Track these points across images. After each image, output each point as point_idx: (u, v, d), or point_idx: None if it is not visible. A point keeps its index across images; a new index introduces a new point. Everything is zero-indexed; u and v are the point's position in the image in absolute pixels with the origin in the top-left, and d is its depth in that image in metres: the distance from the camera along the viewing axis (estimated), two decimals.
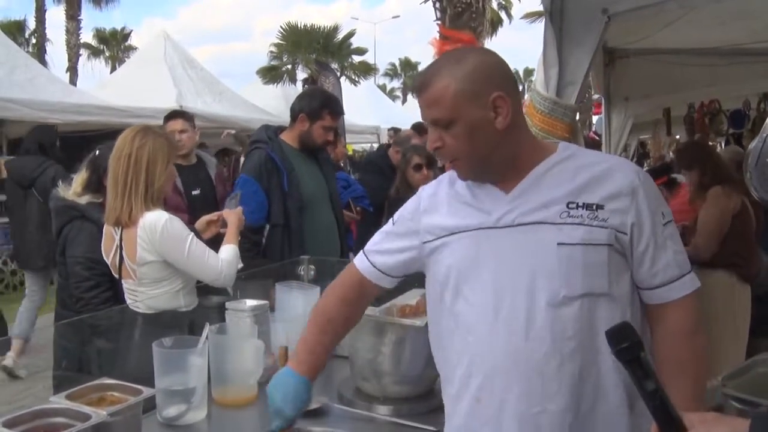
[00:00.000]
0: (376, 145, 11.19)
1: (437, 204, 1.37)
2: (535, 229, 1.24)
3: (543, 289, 1.22)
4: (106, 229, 2.26)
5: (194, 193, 3.52)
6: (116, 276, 2.25)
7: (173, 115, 3.69)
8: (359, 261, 1.50)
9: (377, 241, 1.49)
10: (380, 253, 1.47)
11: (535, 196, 1.26)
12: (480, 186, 1.32)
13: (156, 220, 2.15)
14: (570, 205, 1.23)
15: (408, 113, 17.25)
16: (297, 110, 3.02)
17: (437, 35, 3.64)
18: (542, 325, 1.22)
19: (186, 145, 3.51)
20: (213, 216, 2.43)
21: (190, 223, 3.36)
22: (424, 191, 1.44)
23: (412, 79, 41.98)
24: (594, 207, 1.23)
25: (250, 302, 2.06)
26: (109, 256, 2.26)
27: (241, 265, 2.81)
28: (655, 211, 1.26)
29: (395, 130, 8.66)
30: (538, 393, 1.22)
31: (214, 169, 3.79)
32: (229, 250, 2.28)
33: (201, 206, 3.51)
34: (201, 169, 3.68)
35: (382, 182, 4.19)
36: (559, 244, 1.21)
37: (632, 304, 1.27)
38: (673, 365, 1.23)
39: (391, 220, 1.48)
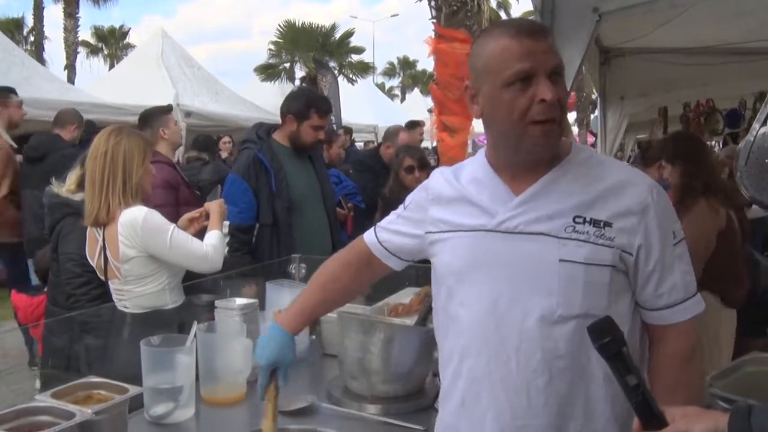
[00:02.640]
0: (373, 144, 11.20)
1: (443, 197, 1.33)
2: (536, 240, 1.19)
3: (539, 305, 1.17)
4: (90, 231, 2.26)
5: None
6: (102, 278, 2.25)
7: (171, 108, 3.73)
8: (368, 235, 1.49)
9: (390, 220, 1.47)
10: (390, 231, 1.45)
11: (542, 204, 1.20)
12: (490, 181, 1.28)
13: (135, 214, 2.16)
14: (577, 220, 1.18)
15: (406, 112, 17.24)
16: (284, 112, 3.02)
17: (433, 34, 3.65)
18: (534, 340, 1.18)
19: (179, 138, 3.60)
20: (195, 213, 2.43)
21: None
22: (432, 181, 1.39)
23: (411, 78, 42.00)
24: (602, 224, 1.17)
25: (240, 301, 2.06)
26: (94, 259, 2.26)
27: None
28: (667, 230, 1.21)
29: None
30: (523, 407, 1.20)
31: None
32: (213, 236, 2.30)
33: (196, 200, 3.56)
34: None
35: (372, 180, 4.19)
36: (561, 260, 1.17)
37: (631, 323, 1.24)
38: (666, 388, 1.20)
39: (402, 204, 1.46)
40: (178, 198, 3.24)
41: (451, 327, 1.29)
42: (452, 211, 1.30)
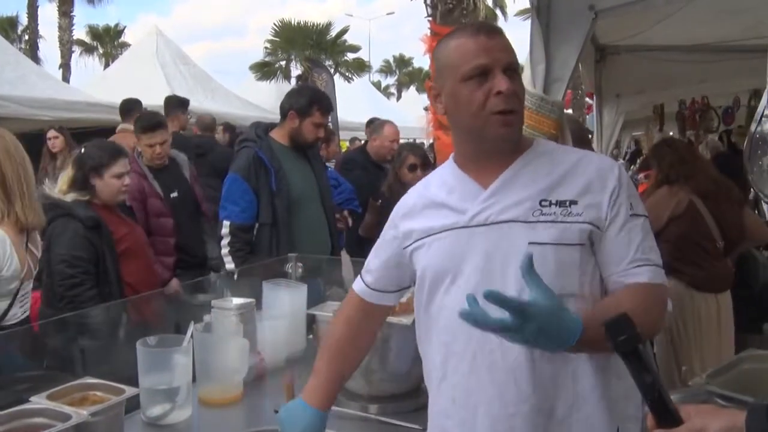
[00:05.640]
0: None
1: (413, 209, 1.37)
2: (507, 228, 1.23)
3: (513, 289, 1.19)
4: (17, 236, 2.16)
5: (173, 195, 3.48)
6: (26, 280, 2.19)
7: (156, 126, 3.48)
8: (356, 284, 1.49)
9: (368, 260, 1.48)
10: (371, 272, 1.45)
11: (509, 193, 1.25)
12: (459, 181, 1.31)
13: None
14: (543, 203, 1.22)
15: (402, 110, 17.25)
16: (286, 107, 3.01)
17: (429, 32, 3.63)
18: None
19: (165, 156, 3.49)
20: None
21: (174, 227, 3.27)
22: (401, 200, 1.43)
23: (407, 76, 41.92)
24: (567, 203, 1.22)
25: (237, 300, 2.05)
26: (25, 263, 2.18)
27: (232, 266, 2.81)
28: (622, 201, 1.24)
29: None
30: (512, 395, 1.22)
31: (188, 169, 3.73)
32: None
33: (181, 208, 3.50)
34: (175, 170, 3.61)
35: (364, 177, 4.16)
36: (530, 243, 1.20)
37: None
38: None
39: (381, 236, 1.47)
40: (146, 209, 3.29)
41: (432, 329, 1.31)
42: (424, 219, 1.33)
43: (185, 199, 3.56)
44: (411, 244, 1.35)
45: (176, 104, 5.25)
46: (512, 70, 1.24)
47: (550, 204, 1.22)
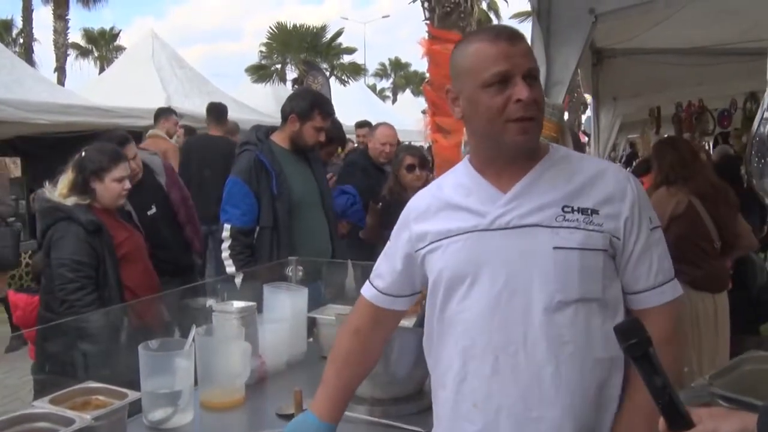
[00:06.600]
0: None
1: (427, 211, 1.35)
2: (530, 232, 1.22)
3: (539, 294, 1.20)
4: None
5: (150, 213, 3.28)
6: None
7: (123, 142, 3.10)
8: (366, 289, 1.47)
9: (377, 264, 1.47)
10: (382, 276, 1.43)
11: (531, 198, 1.24)
12: (476, 184, 1.30)
13: None
14: (565, 209, 1.23)
15: (398, 113, 17.25)
16: (288, 111, 3.00)
17: (426, 35, 3.64)
18: (539, 329, 1.20)
19: (137, 170, 3.18)
20: None
21: (156, 249, 3.06)
22: (413, 201, 1.42)
23: (403, 79, 42.00)
24: (589, 212, 1.23)
25: (238, 304, 2.05)
26: None
27: (233, 269, 2.80)
28: (643, 215, 1.27)
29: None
30: (536, 398, 1.21)
31: (163, 174, 3.50)
32: None
33: (161, 224, 3.32)
34: (149, 181, 3.37)
35: (366, 181, 4.15)
36: (555, 248, 1.20)
37: (623, 308, 1.27)
38: None
39: (389, 241, 1.46)
40: None
41: (448, 333, 1.30)
42: (440, 221, 1.31)
43: (164, 213, 3.40)
44: (424, 247, 1.33)
45: (225, 111, 5.69)
46: (532, 76, 1.23)
47: (573, 210, 1.23)
